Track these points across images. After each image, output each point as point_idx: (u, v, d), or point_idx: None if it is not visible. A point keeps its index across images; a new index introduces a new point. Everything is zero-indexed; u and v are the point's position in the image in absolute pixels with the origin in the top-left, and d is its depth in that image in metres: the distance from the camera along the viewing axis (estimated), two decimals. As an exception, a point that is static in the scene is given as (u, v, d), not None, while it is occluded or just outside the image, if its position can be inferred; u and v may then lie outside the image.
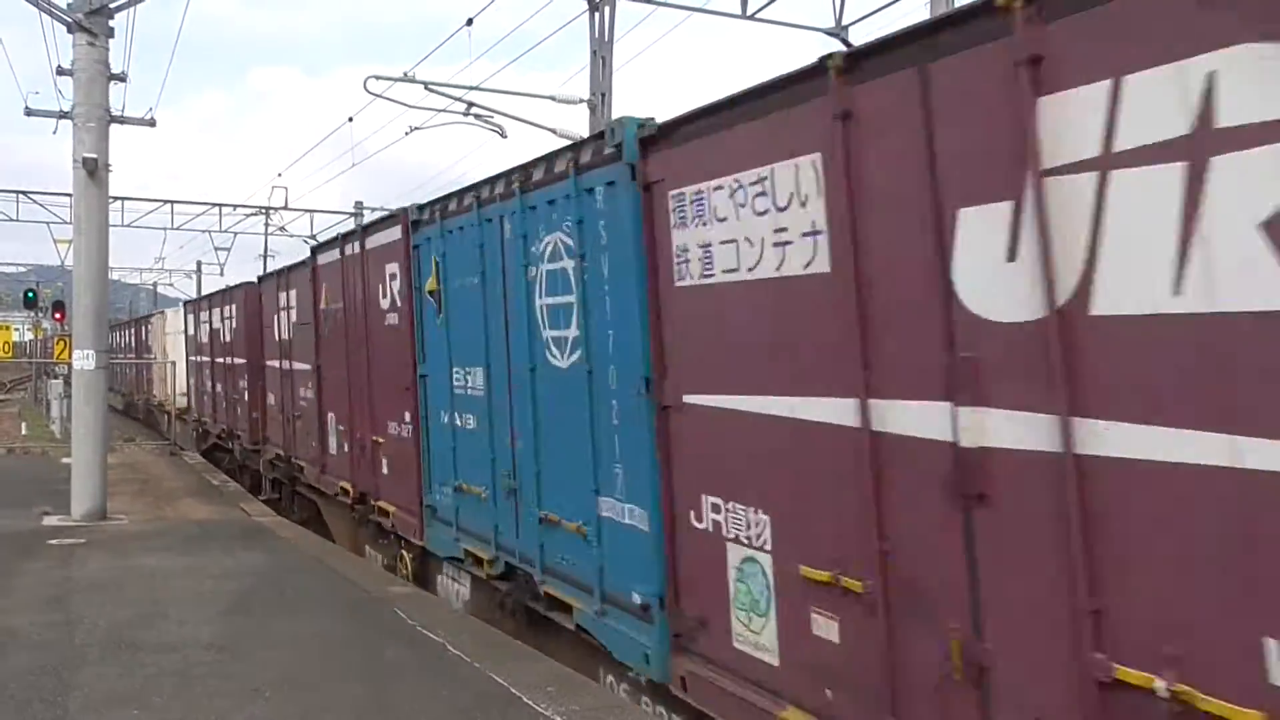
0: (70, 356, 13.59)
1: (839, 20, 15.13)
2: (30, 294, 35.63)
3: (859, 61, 4.17)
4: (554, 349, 6.81)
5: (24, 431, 26.99)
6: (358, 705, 5.90)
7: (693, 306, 5.30)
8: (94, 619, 7.88)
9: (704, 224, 5.13)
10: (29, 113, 15.69)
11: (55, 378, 30.05)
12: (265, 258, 38.22)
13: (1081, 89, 3.23)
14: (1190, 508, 3.00)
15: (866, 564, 4.13)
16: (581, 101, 16.80)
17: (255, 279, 16.66)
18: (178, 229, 36.45)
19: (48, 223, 33.18)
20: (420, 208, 9.25)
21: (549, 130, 17.42)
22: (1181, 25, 2.94)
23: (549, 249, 6.84)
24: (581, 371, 6.39)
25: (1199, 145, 2.91)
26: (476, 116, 18.44)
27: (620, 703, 5.94)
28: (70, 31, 12.72)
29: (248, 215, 36.56)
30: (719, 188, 4.99)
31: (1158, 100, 3.01)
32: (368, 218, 35.30)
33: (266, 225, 36.69)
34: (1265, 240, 2.78)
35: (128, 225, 34.65)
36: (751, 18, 15.14)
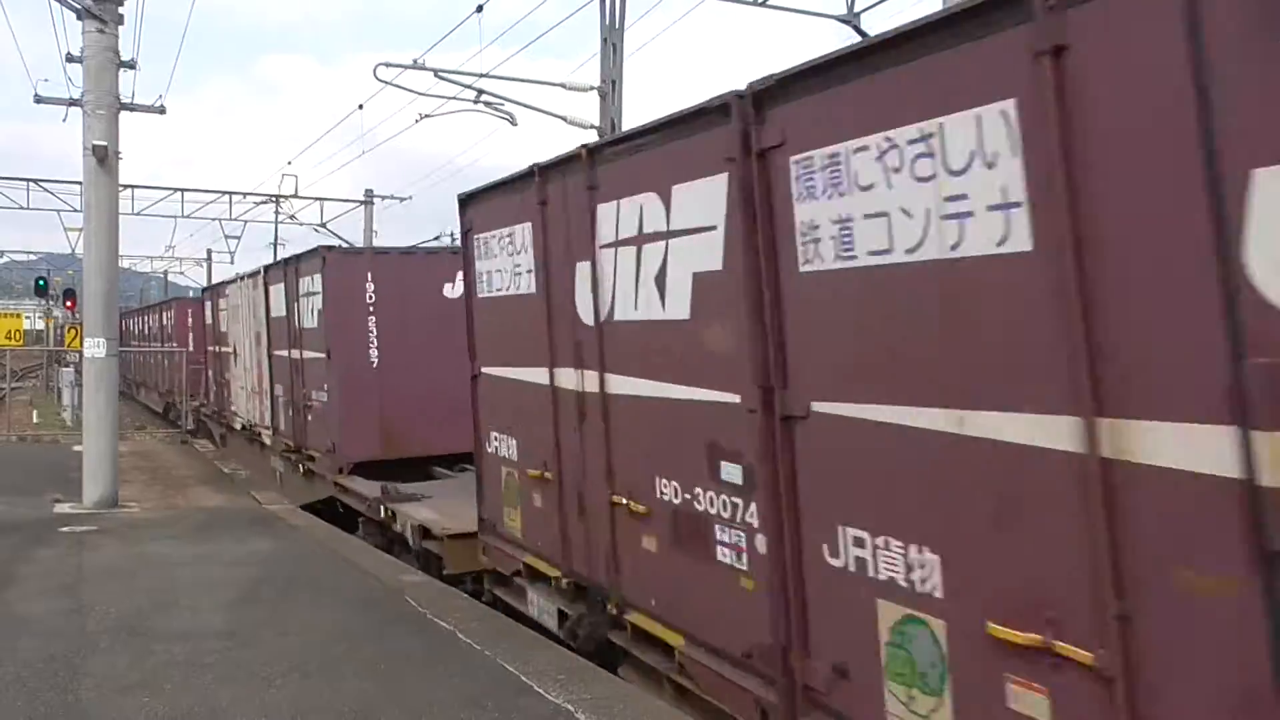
0: (81, 345, 13.63)
1: (851, 7, 15.01)
2: (41, 282, 35.76)
3: None
4: None
5: (35, 419, 27.12)
6: (368, 693, 5.89)
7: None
8: (105, 606, 7.89)
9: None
10: (39, 100, 15.73)
11: (66, 365, 30.14)
12: (275, 246, 38.22)
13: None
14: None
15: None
16: (592, 89, 16.71)
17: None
18: (188, 217, 36.43)
19: (58, 211, 33.10)
20: None
21: (560, 118, 17.35)
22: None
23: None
24: None
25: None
26: (486, 104, 18.35)
27: (632, 691, 5.91)
28: (80, 18, 12.71)
29: (258, 203, 36.55)
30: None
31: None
32: (377, 205, 35.36)
33: (277, 213, 36.67)
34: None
35: (138, 213, 34.56)
36: (764, 4, 15.04)
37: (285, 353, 14.46)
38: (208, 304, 22.00)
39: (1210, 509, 2.84)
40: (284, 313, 14.48)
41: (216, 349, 20.72)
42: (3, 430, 22.71)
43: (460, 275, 12.23)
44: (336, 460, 12.51)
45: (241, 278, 17.76)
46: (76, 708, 5.72)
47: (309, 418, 13.63)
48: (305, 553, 10.23)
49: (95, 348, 12.86)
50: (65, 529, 11.31)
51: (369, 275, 12.60)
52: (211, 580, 8.81)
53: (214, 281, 41.34)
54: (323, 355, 12.77)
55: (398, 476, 11.77)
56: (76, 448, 15.08)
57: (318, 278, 12.91)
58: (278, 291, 14.87)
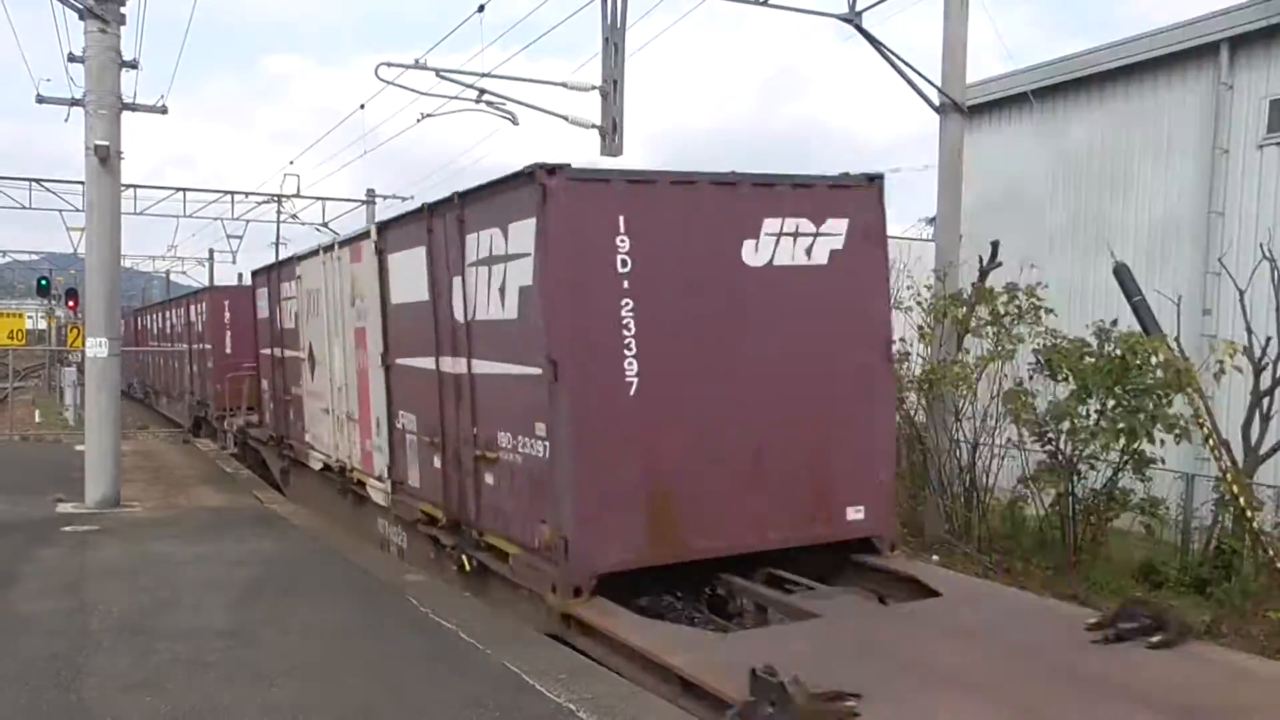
0: (83, 344, 13.64)
1: (852, 6, 14.99)
2: (43, 281, 35.77)
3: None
4: None
5: (38, 419, 27.16)
6: (369, 693, 5.91)
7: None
8: (108, 605, 7.91)
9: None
10: (41, 100, 15.72)
11: (68, 365, 30.17)
12: (277, 246, 38.17)
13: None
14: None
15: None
16: (593, 89, 16.70)
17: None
18: (190, 217, 36.39)
19: (60, 210, 33.09)
20: None
21: (561, 117, 17.33)
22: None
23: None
24: None
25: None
26: (488, 104, 18.32)
27: (633, 690, 5.92)
28: (81, 18, 12.70)
29: (260, 203, 36.53)
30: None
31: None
32: (379, 205, 35.31)
33: (279, 213, 36.62)
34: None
35: (140, 213, 34.51)
36: (765, 3, 15.02)
37: (426, 362, 9.22)
38: (261, 291, 16.36)
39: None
40: (425, 296, 9.10)
41: (276, 353, 15.19)
42: (5, 430, 22.75)
43: (770, 225, 7.52)
44: (567, 573, 6.99)
45: (329, 247, 12.32)
46: (79, 706, 5.74)
47: (486, 478, 8.19)
48: (307, 552, 10.25)
49: (97, 347, 12.86)
50: (67, 528, 11.33)
51: (621, 222, 7.20)
52: (213, 579, 8.83)
53: (212, 279, 41.12)
54: (533, 370, 7.24)
55: (655, 591, 7.54)
56: (79, 447, 15.10)
57: (522, 229, 7.32)
58: (408, 261, 9.57)
